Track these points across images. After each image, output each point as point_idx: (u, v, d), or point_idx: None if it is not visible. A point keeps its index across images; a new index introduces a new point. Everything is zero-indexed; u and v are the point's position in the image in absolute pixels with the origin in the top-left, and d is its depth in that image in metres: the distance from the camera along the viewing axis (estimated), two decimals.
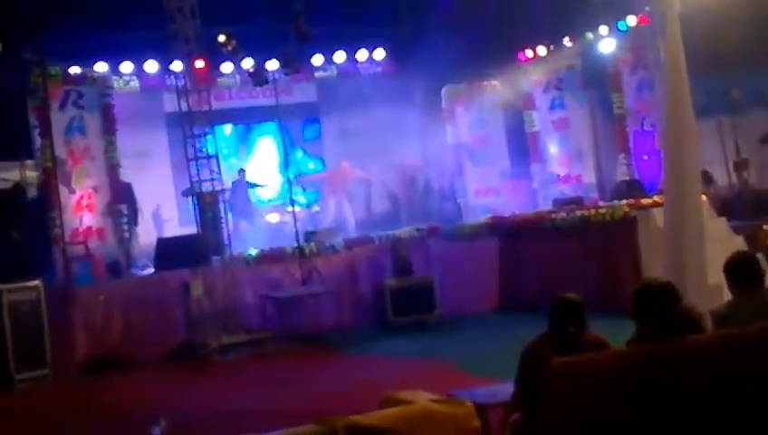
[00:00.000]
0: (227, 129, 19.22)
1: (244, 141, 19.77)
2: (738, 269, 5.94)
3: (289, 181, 17.47)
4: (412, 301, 14.67)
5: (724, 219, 12.29)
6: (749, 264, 5.99)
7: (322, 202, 19.77)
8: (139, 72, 17.37)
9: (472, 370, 10.25)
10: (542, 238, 14.84)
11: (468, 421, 4.85)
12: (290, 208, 16.78)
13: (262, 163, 19.49)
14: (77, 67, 16.21)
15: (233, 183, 17.79)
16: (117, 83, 17.28)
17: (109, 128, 16.65)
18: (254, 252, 15.40)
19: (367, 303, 15.20)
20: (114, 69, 16.99)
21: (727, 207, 13.58)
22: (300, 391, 10.61)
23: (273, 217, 18.97)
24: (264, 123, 19.44)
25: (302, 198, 18.36)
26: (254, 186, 18.63)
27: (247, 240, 16.86)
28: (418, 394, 5.52)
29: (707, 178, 14.17)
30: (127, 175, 16.77)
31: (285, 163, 17.90)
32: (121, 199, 16.47)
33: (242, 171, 18.38)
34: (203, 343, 13.75)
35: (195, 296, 14.07)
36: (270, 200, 19.39)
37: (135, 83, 17.61)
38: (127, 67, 17.17)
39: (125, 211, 16.55)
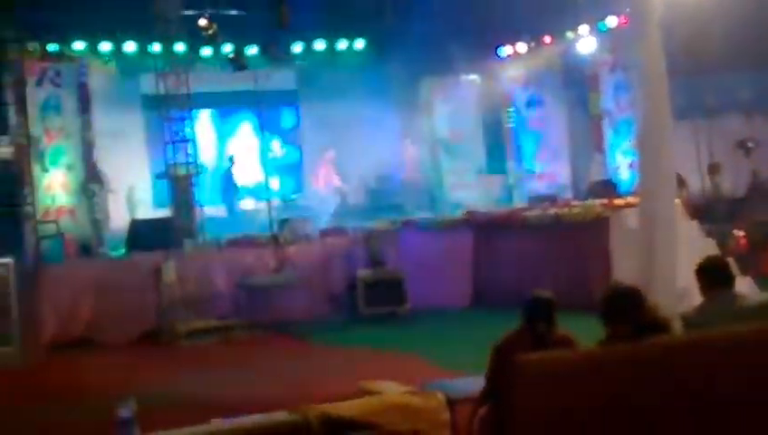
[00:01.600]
0: (205, 113, 19.13)
1: (222, 127, 19.70)
2: (710, 273, 6.01)
3: (266, 168, 17.41)
4: (384, 293, 14.67)
5: (696, 223, 12.40)
6: (721, 267, 6.07)
7: (309, 187, 19.70)
8: (117, 52, 17.27)
9: (442, 363, 10.25)
10: (516, 235, 14.89)
11: (439, 414, 4.89)
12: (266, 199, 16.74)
13: (240, 149, 19.41)
14: (55, 45, 16.11)
15: (225, 169, 17.85)
16: (95, 63, 17.17)
17: (85, 107, 16.57)
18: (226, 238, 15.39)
19: (339, 293, 15.17)
20: (92, 48, 16.88)
21: (700, 210, 13.69)
22: (270, 378, 10.60)
23: (248, 204, 18.94)
24: (242, 109, 19.38)
25: (276, 185, 18.32)
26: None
27: (224, 226, 16.86)
28: (390, 385, 5.56)
29: (680, 182, 14.27)
30: (101, 155, 16.67)
31: (263, 150, 17.81)
32: (95, 179, 16.39)
33: (231, 158, 18.36)
34: (172, 328, 13.71)
35: (166, 280, 14.00)
36: (246, 188, 19.30)
37: (113, 63, 17.50)
38: (105, 47, 17.06)
39: (98, 191, 16.46)
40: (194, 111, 15.68)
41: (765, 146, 15.41)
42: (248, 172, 19.00)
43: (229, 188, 18.31)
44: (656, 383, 4.70)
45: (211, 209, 17.39)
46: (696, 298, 6.16)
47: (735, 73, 15.90)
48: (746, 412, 4.67)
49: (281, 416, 4.47)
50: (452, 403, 5.75)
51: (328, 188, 19.22)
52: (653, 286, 8.52)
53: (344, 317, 14.72)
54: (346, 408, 4.53)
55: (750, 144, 15.34)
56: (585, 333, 5.69)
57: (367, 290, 14.67)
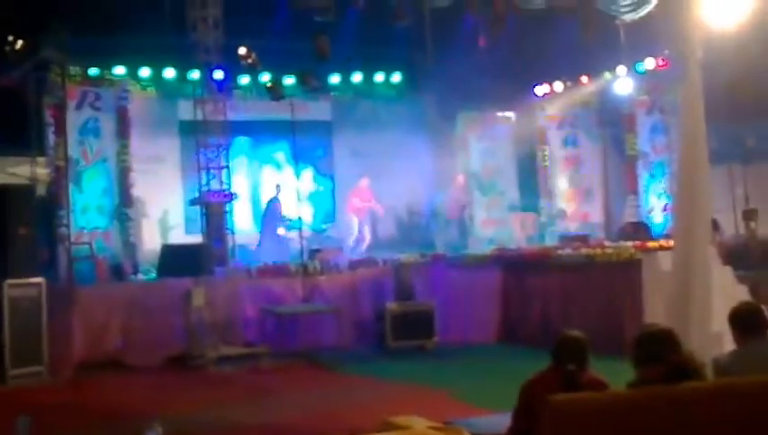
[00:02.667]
0: (241, 141, 19.22)
1: (257, 155, 19.80)
2: (743, 319, 5.95)
3: (299, 198, 17.42)
4: (412, 326, 14.65)
5: (729, 268, 12.27)
6: (754, 314, 6.01)
7: (341, 218, 19.71)
8: (156, 77, 17.46)
9: (468, 399, 10.20)
10: (547, 273, 14.82)
11: None
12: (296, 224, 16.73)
13: (274, 178, 19.46)
14: (96, 69, 16.31)
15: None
16: (134, 87, 17.36)
17: (123, 131, 16.75)
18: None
19: (367, 325, 15.16)
20: (132, 73, 17.08)
21: (734, 255, 13.54)
22: (296, 407, 10.58)
23: (280, 232, 19.01)
24: (277, 138, 19.46)
25: (308, 214, 18.34)
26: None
27: (256, 253, 16.95)
28: (416, 420, 5.50)
29: (715, 226, 14.15)
30: (137, 179, 16.78)
31: (297, 179, 17.83)
32: (130, 203, 16.50)
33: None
34: (200, 353, 13.74)
35: (195, 305, 14.05)
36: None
37: (152, 89, 17.68)
38: (145, 72, 17.26)
39: (132, 215, 16.59)
40: (230, 138, 15.74)
41: None
42: (281, 201, 19.02)
43: (274, 216, 18.29)
44: (686, 429, 4.65)
45: (243, 237, 17.44)
46: (729, 344, 6.09)
47: None
48: None
49: None
50: None
51: (360, 215, 19.11)
52: (687, 331, 8.43)
53: (372, 349, 14.70)
54: None
55: None
56: (616, 377, 5.62)
57: (395, 322, 14.65)
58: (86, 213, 16.06)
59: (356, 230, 18.80)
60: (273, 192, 18.48)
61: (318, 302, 14.83)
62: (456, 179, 19.48)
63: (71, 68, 15.69)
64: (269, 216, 18.21)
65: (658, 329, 5.71)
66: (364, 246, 18.43)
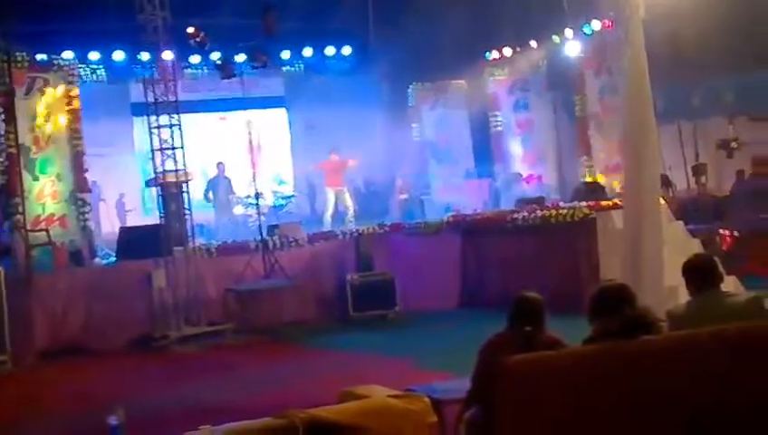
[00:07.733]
0: (194, 120, 19.10)
1: (211, 133, 19.73)
2: (697, 271, 5.99)
3: (253, 175, 17.37)
4: (373, 296, 14.74)
5: (681, 223, 12.48)
6: (708, 265, 6.06)
7: (321, 194, 19.62)
8: (106, 61, 17.34)
9: (430, 366, 10.32)
10: (504, 237, 14.99)
11: (425, 416, 4.91)
12: (254, 201, 16.73)
13: (229, 156, 19.40)
14: (44, 54, 16.14)
15: (211, 179, 17.91)
16: (84, 72, 17.20)
17: (74, 116, 16.55)
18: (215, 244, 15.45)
19: (328, 297, 15.24)
20: (81, 57, 16.93)
21: (685, 210, 13.79)
22: (259, 383, 10.66)
23: (238, 210, 18.99)
24: (230, 115, 19.40)
25: (265, 191, 18.36)
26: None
27: (218, 232, 16.94)
28: (376, 389, 5.57)
29: (666, 182, 14.38)
30: (92, 163, 16.66)
31: (251, 156, 17.82)
32: (85, 188, 16.39)
33: (220, 165, 18.36)
34: (163, 334, 13.77)
35: (157, 287, 14.07)
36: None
37: (102, 72, 17.54)
38: (94, 56, 17.12)
39: (88, 200, 16.49)
40: (182, 117, 15.67)
41: (749, 146, 15.54)
42: (237, 179, 19.00)
43: (224, 195, 18.31)
44: (641, 381, 4.76)
45: (201, 216, 17.42)
46: (684, 298, 6.19)
47: (719, 75, 16.04)
48: (730, 410, 4.73)
49: (267, 421, 4.48)
50: (438, 406, 5.78)
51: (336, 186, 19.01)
52: (640, 286, 8.57)
53: (334, 321, 14.79)
54: (332, 412, 4.57)
55: (733, 145, 15.47)
56: (575, 335, 5.69)
57: (356, 293, 14.75)
58: (41, 200, 15.94)
59: (331, 205, 18.68)
60: (215, 171, 18.41)
61: (279, 277, 14.85)
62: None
63: (17, 54, 15.50)
64: (216, 195, 18.18)
65: (612, 284, 5.82)
66: (350, 214, 18.22)
